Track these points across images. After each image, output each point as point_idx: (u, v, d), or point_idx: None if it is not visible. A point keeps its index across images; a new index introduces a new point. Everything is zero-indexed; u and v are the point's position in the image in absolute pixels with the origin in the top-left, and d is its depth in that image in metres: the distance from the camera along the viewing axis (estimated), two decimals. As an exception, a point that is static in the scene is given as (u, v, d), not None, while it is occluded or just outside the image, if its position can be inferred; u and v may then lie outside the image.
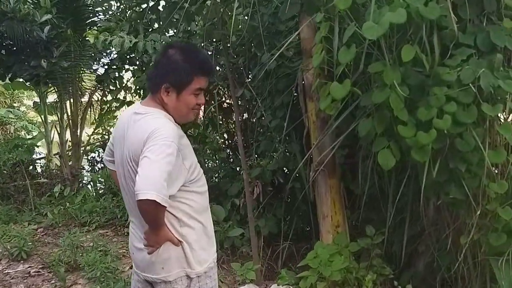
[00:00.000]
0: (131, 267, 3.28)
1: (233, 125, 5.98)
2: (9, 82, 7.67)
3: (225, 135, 5.92)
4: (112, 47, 5.33)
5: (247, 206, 3.72)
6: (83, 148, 8.02)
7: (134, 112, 2.09)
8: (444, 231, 3.11)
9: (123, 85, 7.55)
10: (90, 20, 7.10)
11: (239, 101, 5.46)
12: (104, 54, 7.43)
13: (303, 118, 3.48)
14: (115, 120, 8.62)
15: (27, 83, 7.53)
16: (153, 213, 1.86)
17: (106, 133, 9.01)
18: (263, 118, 5.11)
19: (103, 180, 6.74)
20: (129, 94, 7.93)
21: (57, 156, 7.89)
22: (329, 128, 3.18)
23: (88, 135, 8.31)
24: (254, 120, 5.01)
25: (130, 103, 7.98)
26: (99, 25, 6.61)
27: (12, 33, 6.05)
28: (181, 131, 2.08)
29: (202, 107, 3.54)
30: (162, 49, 2.14)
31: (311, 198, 4.17)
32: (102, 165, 8.84)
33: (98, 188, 7.00)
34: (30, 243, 4.91)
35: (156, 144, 1.87)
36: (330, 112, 2.55)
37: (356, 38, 2.36)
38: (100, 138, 8.90)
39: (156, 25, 6.57)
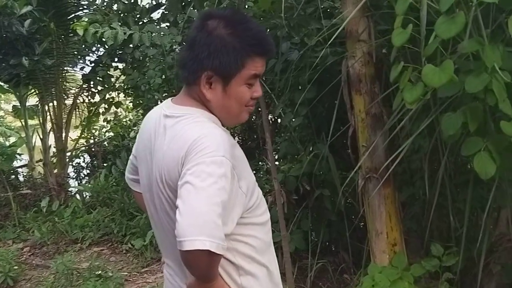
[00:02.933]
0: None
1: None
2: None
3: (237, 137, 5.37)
4: (104, 40, 4.76)
5: (279, 220, 3.12)
6: (68, 154, 7.34)
7: (164, 115, 1.47)
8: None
9: (112, 84, 6.92)
10: (73, 15, 6.46)
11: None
12: (90, 51, 6.78)
13: (348, 116, 2.90)
14: (104, 122, 7.99)
15: (5, 86, 6.83)
16: (204, 266, 1.27)
17: (92, 137, 8.39)
18: (277, 117, 4.58)
19: (93, 190, 6.07)
20: (118, 94, 7.35)
21: (40, 163, 7.20)
22: (383, 127, 2.63)
23: (72, 140, 7.63)
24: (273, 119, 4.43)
25: (118, 104, 7.40)
26: (84, 19, 5.99)
27: (-13, 28, 5.38)
28: (232, 139, 1.47)
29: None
30: (197, 21, 1.47)
31: (342, 207, 3.69)
32: (88, 171, 8.22)
33: (88, 200, 6.36)
34: (17, 267, 4.27)
35: (202, 162, 1.28)
36: (412, 107, 1.98)
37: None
38: (85, 143, 8.27)
39: (146, 19, 6.02)
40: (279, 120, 4.92)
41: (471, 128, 1.98)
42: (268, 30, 3.80)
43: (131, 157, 1.73)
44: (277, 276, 1.56)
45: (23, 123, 7.16)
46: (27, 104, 7.26)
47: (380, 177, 2.70)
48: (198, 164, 1.28)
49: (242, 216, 1.40)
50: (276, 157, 4.37)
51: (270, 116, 4.58)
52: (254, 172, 4.91)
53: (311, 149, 3.87)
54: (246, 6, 3.67)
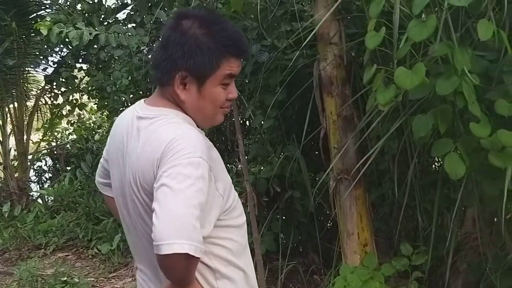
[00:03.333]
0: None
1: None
2: None
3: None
4: (67, 41, 4.66)
5: (251, 223, 3.10)
6: (30, 157, 7.12)
7: (138, 116, 1.43)
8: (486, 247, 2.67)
9: (76, 86, 6.76)
10: (36, 14, 6.28)
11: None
12: (53, 51, 6.60)
13: (320, 118, 2.92)
14: (67, 124, 7.80)
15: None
16: (182, 270, 1.24)
17: (54, 140, 8.18)
18: (247, 119, 4.56)
19: (57, 194, 5.91)
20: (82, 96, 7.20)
21: (0, 167, 6.96)
22: (354, 129, 2.66)
23: (33, 143, 7.40)
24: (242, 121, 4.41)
25: (82, 106, 7.24)
26: (47, 18, 5.83)
27: None
28: (208, 140, 1.44)
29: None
30: (172, 20, 1.45)
31: (312, 208, 3.71)
32: (50, 175, 8.01)
33: (51, 204, 6.18)
34: (-22, 275, 4.12)
35: (178, 164, 1.25)
36: (385, 108, 2.00)
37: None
38: (47, 146, 8.06)
39: (111, 19, 5.91)
40: (247, 122, 4.91)
41: (441, 129, 2.02)
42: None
43: (101, 160, 1.68)
44: (253, 279, 1.55)
45: (-19, 126, 6.91)
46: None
47: (352, 178, 2.73)
48: (175, 166, 1.25)
49: (219, 218, 1.38)
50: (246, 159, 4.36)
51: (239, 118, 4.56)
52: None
53: (281, 151, 3.87)
54: (216, 7, 3.65)
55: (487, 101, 2.04)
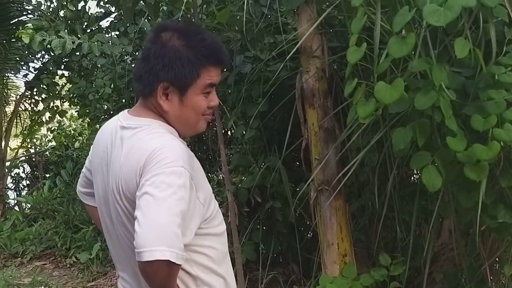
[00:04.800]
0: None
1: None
2: None
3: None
4: (49, 48, 4.63)
5: (232, 232, 3.12)
6: (7, 164, 7.02)
7: (121, 126, 1.46)
8: (461, 257, 2.73)
9: (57, 93, 6.71)
10: (17, 19, 6.23)
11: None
12: (34, 57, 6.54)
13: (302, 129, 2.96)
14: (48, 132, 7.72)
15: None
16: (163, 277, 1.26)
17: (33, 147, 8.09)
18: (230, 129, 4.59)
19: (36, 202, 5.83)
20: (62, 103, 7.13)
21: (-23, 174, 6.84)
22: (335, 141, 2.70)
23: (11, 149, 7.30)
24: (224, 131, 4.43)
25: (63, 113, 7.18)
26: (28, 24, 5.78)
27: None
28: (189, 150, 1.47)
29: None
30: (151, 33, 1.50)
31: (293, 219, 3.74)
32: (28, 182, 7.91)
33: (28, 212, 6.10)
34: (-49, 284, 4.02)
35: (161, 173, 1.28)
36: (365, 121, 2.05)
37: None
38: (25, 152, 7.96)
39: (95, 27, 5.89)
40: (229, 132, 4.94)
41: (419, 143, 2.08)
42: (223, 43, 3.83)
43: (83, 170, 1.70)
44: (233, 286, 1.58)
45: (-41, 131, 6.79)
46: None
47: (332, 189, 2.77)
48: (158, 175, 1.28)
49: (200, 226, 1.41)
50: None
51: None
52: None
53: (263, 162, 3.91)
54: (200, 19, 3.68)
55: (464, 116, 2.10)
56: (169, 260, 1.20)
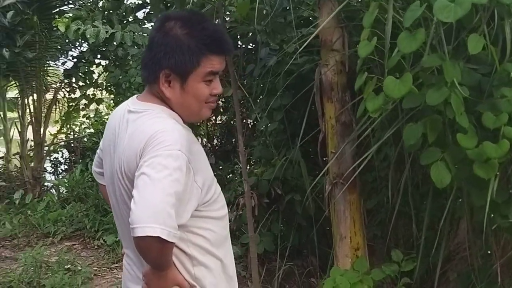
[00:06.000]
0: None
1: (213, 128, 5.51)
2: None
3: (204, 139, 5.42)
4: (85, 37, 4.78)
5: (247, 222, 3.17)
6: (46, 149, 7.30)
7: (128, 110, 1.54)
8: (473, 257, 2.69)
9: (93, 81, 6.92)
10: (58, 9, 6.45)
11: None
12: (73, 46, 6.76)
13: (319, 122, 2.98)
14: (84, 118, 7.97)
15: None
16: (156, 253, 1.33)
17: (71, 133, 8.35)
18: (254, 121, 4.62)
19: (68, 185, 6.04)
20: (100, 91, 7.33)
21: (17, 156, 7.14)
22: (351, 134, 2.71)
23: (51, 135, 7.58)
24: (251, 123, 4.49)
25: (100, 100, 7.38)
26: (68, 14, 5.98)
27: (-32, 18, 5.35)
28: (192, 135, 1.54)
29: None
30: (157, 23, 1.56)
31: (312, 212, 3.75)
32: (65, 167, 8.17)
33: (63, 194, 6.33)
34: (-16, 258, 4.25)
35: (159, 155, 1.35)
36: (375, 115, 2.06)
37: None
38: (64, 138, 8.23)
39: (131, 18, 6.04)
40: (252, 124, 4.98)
41: (430, 139, 2.07)
42: (250, 35, 3.87)
43: (98, 150, 1.80)
44: (232, 269, 1.64)
45: (2, 115, 7.10)
46: (7, 96, 7.22)
47: (347, 183, 2.78)
48: (156, 157, 1.35)
49: (198, 209, 1.48)
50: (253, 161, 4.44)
51: (249, 121, 4.64)
52: (229, 174, 4.97)
53: (285, 154, 3.94)
54: (228, 12, 3.74)
55: (478, 113, 2.08)
56: (159, 237, 1.27)
